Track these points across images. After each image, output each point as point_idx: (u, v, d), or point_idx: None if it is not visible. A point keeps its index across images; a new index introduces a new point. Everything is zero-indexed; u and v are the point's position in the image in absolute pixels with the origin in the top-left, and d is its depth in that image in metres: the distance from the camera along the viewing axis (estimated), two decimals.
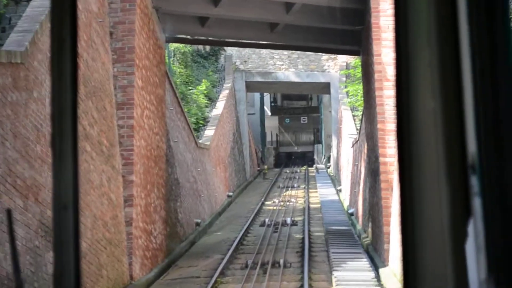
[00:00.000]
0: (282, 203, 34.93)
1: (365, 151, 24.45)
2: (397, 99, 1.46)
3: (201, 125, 37.14)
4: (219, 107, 40.33)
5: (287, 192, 40.23)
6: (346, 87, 42.87)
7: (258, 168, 58.33)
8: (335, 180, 44.96)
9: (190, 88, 40.50)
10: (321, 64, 51.06)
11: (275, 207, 33.39)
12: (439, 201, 1.41)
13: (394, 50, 1.46)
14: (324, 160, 61.84)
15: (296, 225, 27.52)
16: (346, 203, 33.26)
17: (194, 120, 36.17)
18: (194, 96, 39.55)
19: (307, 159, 71.50)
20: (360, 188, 26.75)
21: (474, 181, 1.40)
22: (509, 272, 1.39)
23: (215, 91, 44.43)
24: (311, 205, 33.73)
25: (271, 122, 74.03)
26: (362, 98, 27.21)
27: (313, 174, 53.82)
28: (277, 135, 76.71)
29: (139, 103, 18.69)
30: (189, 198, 26.49)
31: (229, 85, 45.56)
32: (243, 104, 50.53)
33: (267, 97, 72.02)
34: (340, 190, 38.67)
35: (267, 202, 35.62)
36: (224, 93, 43.29)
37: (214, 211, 32.34)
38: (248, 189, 44.24)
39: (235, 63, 50.60)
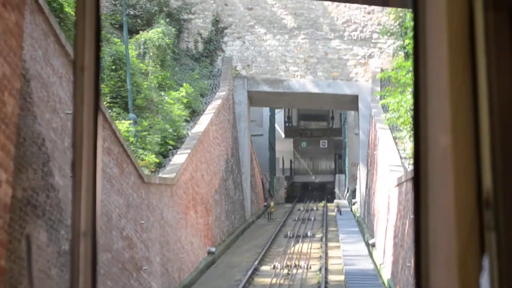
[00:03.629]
0: (286, 270, 22.77)
1: None
2: (415, 133, 1.54)
3: (171, 148, 25.11)
4: (204, 122, 28.29)
5: (297, 247, 28.06)
6: (383, 97, 30.68)
7: (265, 204, 46.18)
8: (363, 226, 32.69)
9: (164, 95, 28.52)
10: (347, 70, 39.07)
11: (273, 279, 21.23)
12: (455, 235, 1.44)
13: (413, 84, 1.55)
14: (347, 194, 49.55)
15: None
16: (386, 273, 21.08)
17: (159, 139, 24.17)
18: (166, 105, 27.53)
19: (326, 192, 59.34)
20: None
21: (489, 216, 1.43)
22: None
23: (204, 102, 32.43)
24: (331, 278, 21.50)
25: (284, 146, 61.95)
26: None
27: (333, 213, 41.57)
28: (291, 161, 64.57)
29: None
30: (110, 282, 14.38)
31: (224, 93, 33.56)
32: (244, 121, 38.49)
33: (279, 115, 59.83)
34: (373, 246, 26.45)
35: (263, 268, 23.41)
36: (215, 104, 31.28)
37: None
38: (243, 237, 32.01)
39: (235, 67, 38.76)
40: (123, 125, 23.20)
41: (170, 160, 23.54)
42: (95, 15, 1.63)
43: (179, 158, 23.38)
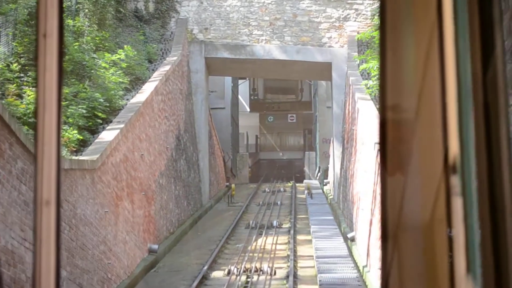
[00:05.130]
0: (244, 277, 17.91)
1: None
2: (381, 99, 1.56)
3: (101, 122, 20.11)
4: (147, 91, 23.26)
5: (259, 241, 23.19)
6: (363, 62, 25.88)
7: (227, 183, 41.30)
8: (338, 213, 27.94)
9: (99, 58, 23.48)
10: (319, 35, 34.21)
11: None
12: (421, 201, 1.47)
13: (379, 53, 1.58)
14: (319, 174, 44.81)
15: None
16: (372, 280, 16.29)
17: (84, 110, 19.20)
18: (100, 70, 22.50)
19: (294, 170, 54.54)
20: None
21: (456, 182, 1.44)
22: (486, 268, 1.44)
23: (152, 68, 27.43)
24: None
25: (250, 121, 57.05)
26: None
27: (303, 196, 36.77)
28: (256, 137, 59.60)
29: None
30: None
31: (175, 58, 28.58)
32: (201, 92, 33.52)
33: (244, 88, 54.84)
34: (352, 240, 21.70)
35: (214, 275, 18.50)
36: (162, 71, 26.29)
37: None
38: (197, 227, 27.12)
39: (191, 30, 33.73)
40: (34, 93, 18.16)
41: (97, 138, 18.54)
42: None
43: (107, 134, 18.39)
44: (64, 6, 1.62)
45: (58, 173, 1.64)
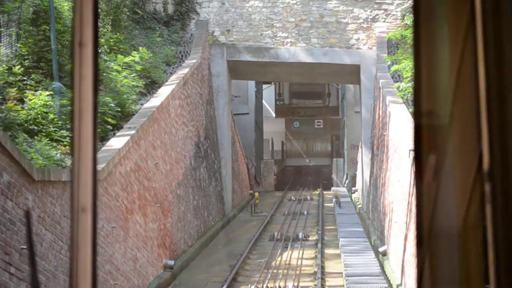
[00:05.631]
0: None
1: None
2: (415, 104, 1.59)
3: (111, 128, 18.64)
4: (162, 94, 21.78)
5: (284, 256, 21.57)
6: (395, 63, 24.23)
7: (251, 191, 39.69)
8: (367, 223, 26.30)
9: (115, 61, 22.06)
10: (346, 36, 32.63)
11: None
12: (455, 209, 1.47)
13: (413, 58, 1.60)
14: (347, 181, 43.11)
15: None
16: None
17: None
18: (112, 73, 21.07)
19: (322, 177, 52.86)
20: None
21: (488, 189, 1.43)
22: None
23: (171, 72, 25.97)
24: None
25: (275, 126, 55.46)
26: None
27: (331, 204, 35.13)
28: (282, 143, 57.95)
29: None
30: None
31: (195, 61, 27.10)
32: (223, 96, 32.03)
33: (269, 93, 53.25)
34: (384, 255, 20.05)
35: None
36: (180, 74, 24.80)
37: None
38: (218, 239, 25.56)
39: (212, 32, 32.23)
40: (40, 98, 16.83)
41: (108, 145, 17.03)
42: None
43: (116, 141, 16.88)
44: (99, 15, 1.59)
45: (94, 180, 1.67)
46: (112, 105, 19.04)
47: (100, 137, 17.92)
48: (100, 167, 14.80)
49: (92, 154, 1.68)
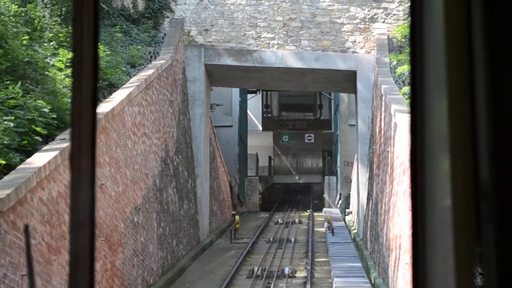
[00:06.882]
0: None
1: None
2: (411, 123, 1.53)
3: (41, 140, 14.42)
4: (115, 99, 17.57)
5: None
6: (399, 65, 20.14)
7: (234, 212, 35.47)
8: (364, 254, 22.15)
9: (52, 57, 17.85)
10: (342, 38, 28.68)
11: None
12: (451, 226, 1.45)
13: (410, 63, 1.57)
14: (340, 201, 38.96)
15: None
16: None
17: (12, 123, 13.60)
18: (52, 70, 16.91)
19: (313, 196, 48.69)
20: None
21: (486, 207, 1.43)
22: None
23: (134, 74, 21.86)
24: None
25: (262, 140, 51.28)
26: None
27: (322, 229, 30.95)
28: (270, 158, 53.79)
29: None
30: None
31: (163, 62, 23.00)
32: (200, 105, 27.93)
33: (256, 103, 49.10)
34: None
35: None
36: (142, 76, 20.63)
37: None
38: (187, 275, 21.31)
39: (188, 32, 28.25)
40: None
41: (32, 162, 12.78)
42: (93, 8, 1.61)
43: (40, 157, 12.66)
44: (98, 33, 1.62)
45: (92, 195, 1.65)
46: (46, 110, 14.85)
47: (26, 151, 13.74)
48: (4, 193, 10.60)
49: (91, 168, 1.62)
